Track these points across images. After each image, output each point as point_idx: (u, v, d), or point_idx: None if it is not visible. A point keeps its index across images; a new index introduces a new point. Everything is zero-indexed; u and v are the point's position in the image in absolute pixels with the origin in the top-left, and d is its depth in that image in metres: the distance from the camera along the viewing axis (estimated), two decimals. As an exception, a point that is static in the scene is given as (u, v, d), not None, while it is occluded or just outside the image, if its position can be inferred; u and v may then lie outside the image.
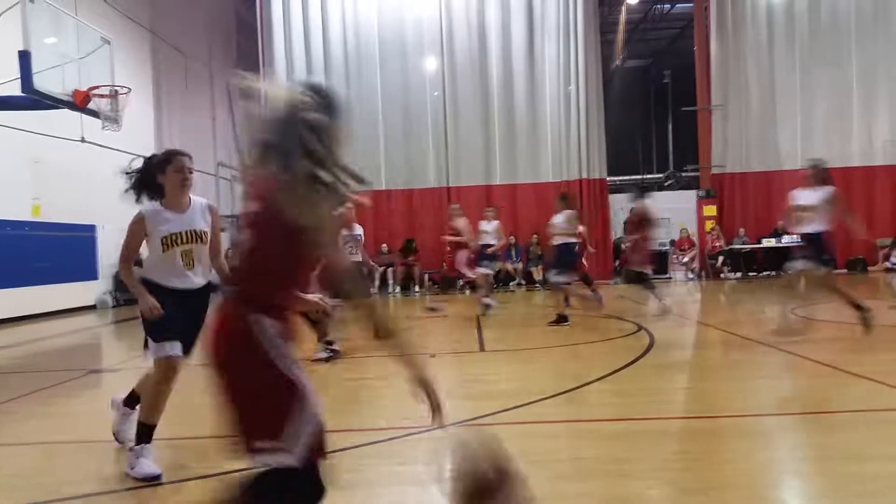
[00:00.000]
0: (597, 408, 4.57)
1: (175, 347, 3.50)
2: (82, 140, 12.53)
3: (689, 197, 17.66)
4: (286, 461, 1.77)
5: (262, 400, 1.80)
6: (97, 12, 13.75)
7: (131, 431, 3.61)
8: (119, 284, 15.53)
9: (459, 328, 9.42)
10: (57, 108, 10.62)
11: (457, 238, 10.61)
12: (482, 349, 7.33)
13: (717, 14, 16.96)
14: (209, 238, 3.71)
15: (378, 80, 17.14)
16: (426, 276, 16.75)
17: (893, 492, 2.91)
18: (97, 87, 11.18)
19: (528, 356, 6.88)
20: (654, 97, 26.34)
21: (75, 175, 13.58)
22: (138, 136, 15.45)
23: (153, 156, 3.77)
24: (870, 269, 15.99)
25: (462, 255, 10.90)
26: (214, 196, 18.56)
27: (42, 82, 9.68)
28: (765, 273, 16.50)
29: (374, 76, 17.15)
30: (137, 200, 3.65)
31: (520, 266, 16.54)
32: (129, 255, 3.60)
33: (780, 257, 16.37)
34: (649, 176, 23.21)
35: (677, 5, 21.48)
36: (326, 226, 1.85)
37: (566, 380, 5.36)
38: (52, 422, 4.84)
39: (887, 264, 15.89)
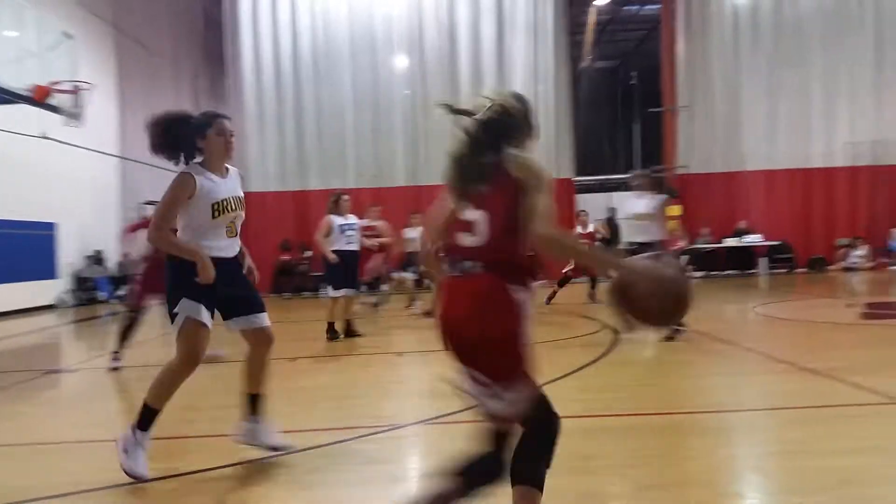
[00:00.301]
0: (561, 404, 4.58)
1: (207, 316, 3.26)
2: (43, 136, 12.25)
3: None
4: (531, 397, 2.20)
5: (517, 353, 2.16)
6: (59, 6, 13.45)
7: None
8: (80, 283, 15.20)
9: (428, 327, 9.41)
10: (16, 103, 10.38)
11: (380, 240, 10.33)
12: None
13: (684, 16, 17.20)
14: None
15: (347, 77, 17.05)
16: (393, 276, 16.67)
17: (849, 485, 2.97)
18: (58, 83, 10.95)
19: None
20: (621, 98, 26.63)
21: (35, 172, 13.27)
22: (101, 133, 15.15)
23: (188, 116, 3.52)
24: (829, 268, 16.36)
25: (378, 258, 10.73)
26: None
27: (0, 76, 9.46)
28: (727, 272, 16.78)
29: (343, 73, 17.05)
30: (178, 162, 3.39)
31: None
32: (169, 220, 3.28)
33: (742, 256, 16.71)
34: (615, 176, 23.46)
35: (645, 7, 21.74)
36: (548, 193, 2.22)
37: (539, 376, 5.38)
38: (4, 424, 4.71)
39: (846, 263, 16.27)
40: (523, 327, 2.15)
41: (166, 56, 18.34)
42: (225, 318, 3.47)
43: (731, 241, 16.65)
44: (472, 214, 2.26)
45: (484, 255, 2.19)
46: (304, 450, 3.63)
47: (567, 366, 5.59)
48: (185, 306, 3.23)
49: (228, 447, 3.60)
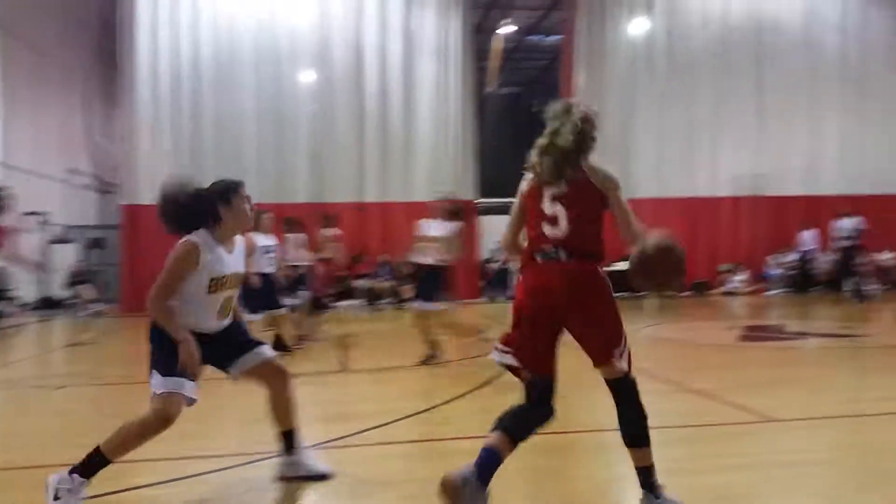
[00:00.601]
0: (455, 426, 4.60)
1: (191, 389, 3.08)
2: None
3: (555, 220, 18.42)
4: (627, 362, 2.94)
5: (616, 323, 2.93)
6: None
7: None
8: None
9: (323, 348, 9.23)
10: None
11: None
12: (344, 369, 7.20)
13: (584, 49, 17.90)
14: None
15: (250, 88, 16.59)
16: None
17: (724, 501, 3.11)
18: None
19: (390, 376, 6.84)
20: (525, 123, 27.40)
21: None
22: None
23: (212, 183, 3.35)
24: (711, 292, 17.30)
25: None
26: (64, 205, 17.18)
27: None
28: (618, 294, 17.33)
29: (245, 84, 16.58)
30: (186, 232, 3.22)
31: (387, 285, 16.46)
32: (171, 291, 3.14)
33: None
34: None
35: (548, 38, 22.52)
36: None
37: (427, 398, 5.37)
38: None
39: (726, 288, 17.27)
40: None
41: (56, 57, 17.29)
42: (223, 368, 3.34)
43: (621, 265, 17.28)
44: (554, 209, 2.87)
45: (566, 243, 2.82)
46: (181, 479, 3.45)
47: (461, 386, 5.61)
48: (169, 383, 3.04)
49: (104, 472, 3.36)
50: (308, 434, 4.36)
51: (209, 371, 3.31)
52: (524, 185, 3.03)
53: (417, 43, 17.33)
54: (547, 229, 2.84)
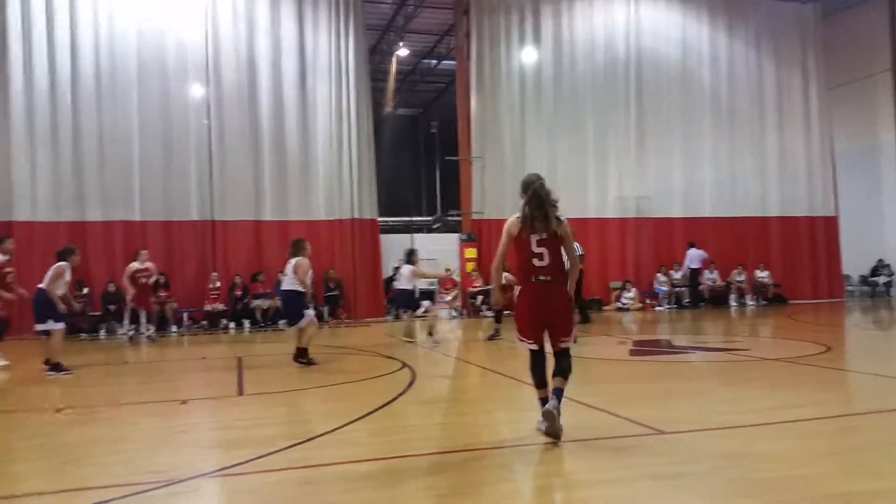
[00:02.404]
0: (353, 448, 4.52)
1: None
2: None
3: (454, 239, 18.64)
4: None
5: (572, 321, 4.82)
6: None
7: None
8: None
9: (218, 371, 8.89)
10: None
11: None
12: (241, 393, 6.96)
13: (477, 74, 18.34)
14: None
15: (135, 103, 15.82)
16: (185, 315, 15.65)
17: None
18: None
19: (289, 398, 6.67)
20: (423, 145, 27.70)
21: None
22: None
23: None
24: (604, 308, 18.02)
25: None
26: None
27: None
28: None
29: (130, 99, 15.79)
30: None
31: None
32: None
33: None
34: (419, 218, 24.18)
35: (443, 62, 22.93)
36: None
37: (326, 421, 5.26)
38: None
39: (618, 304, 18.03)
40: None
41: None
42: None
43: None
44: (540, 248, 4.60)
45: (549, 271, 4.62)
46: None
47: (360, 408, 5.55)
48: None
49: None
50: (204, 461, 4.18)
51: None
52: (514, 229, 4.63)
53: (312, 62, 17.20)
54: (536, 262, 4.60)
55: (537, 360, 4.69)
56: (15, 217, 14.73)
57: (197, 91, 16.40)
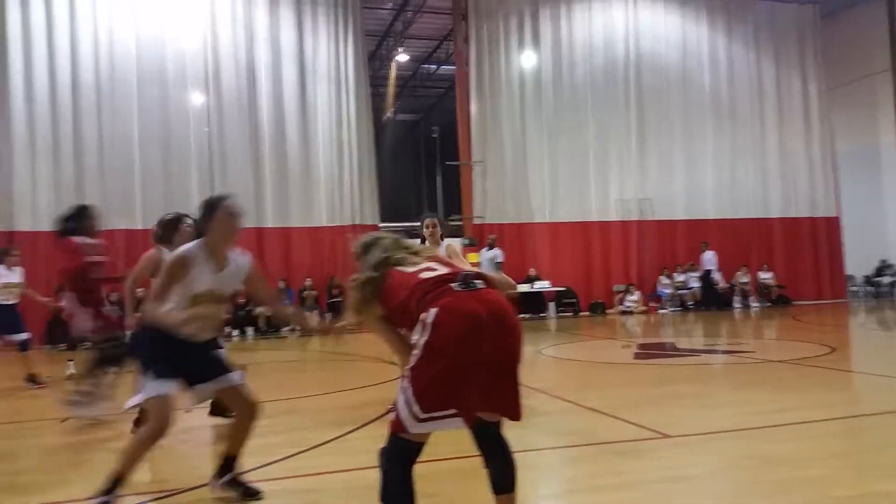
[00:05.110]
0: (357, 456, 4.48)
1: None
2: None
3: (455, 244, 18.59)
4: None
5: None
6: None
7: None
8: None
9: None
10: None
11: None
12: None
13: (476, 79, 18.35)
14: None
15: (135, 110, 15.84)
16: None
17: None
18: None
19: (292, 406, 6.63)
20: (423, 150, 27.70)
21: None
22: None
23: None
24: (608, 311, 17.97)
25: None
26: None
27: None
28: (521, 315, 17.74)
29: (130, 106, 15.81)
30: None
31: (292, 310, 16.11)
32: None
33: (534, 301, 17.83)
34: (420, 224, 24.09)
35: (442, 67, 22.95)
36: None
37: (330, 429, 5.22)
38: None
39: (622, 307, 17.98)
40: None
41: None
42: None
43: (523, 287, 17.71)
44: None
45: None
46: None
47: (363, 416, 5.52)
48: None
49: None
50: (208, 469, 4.15)
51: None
52: None
53: (311, 68, 17.22)
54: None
55: None
56: (17, 227, 14.74)
57: (197, 98, 16.42)
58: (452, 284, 2.54)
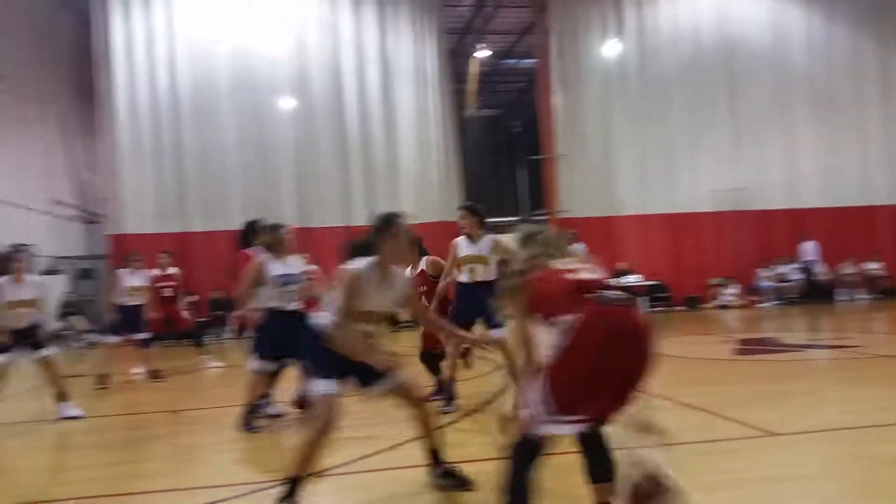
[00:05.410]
0: (455, 450, 4.54)
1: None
2: None
3: (540, 240, 18.47)
4: None
5: None
6: None
7: None
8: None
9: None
10: None
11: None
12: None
13: (559, 71, 18.13)
14: None
15: (230, 116, 16.59)
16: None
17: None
18: None
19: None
20: (506, 145, 27.62)
21: None
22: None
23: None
24: (703, 306, 17.37)
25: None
26: (51, 237, 16.99)
27: None
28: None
29: (225, 112, 16.58)
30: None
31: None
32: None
33: (622, 297, 17.49)
34: (504, 219, 24.08)
35: (523, 61, 22.79)
36: None
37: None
38: None
39: (719, 301, 17.35)
40: None
41: (33, 90, 17.19)
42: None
43: (612, 282, 17.39)
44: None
45: None
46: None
47: (462, 407, 5.58)
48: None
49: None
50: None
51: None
52: None
53: (394, 68, 17.50)
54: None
55: None
56: (126, 230, 15.70)
57: (286, 104, 17.01)
58: (596, 292, 2.62)
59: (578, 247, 14.60)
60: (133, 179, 16.12)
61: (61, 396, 6.15)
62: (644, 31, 18.42)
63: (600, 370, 2.47)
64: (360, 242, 3.60)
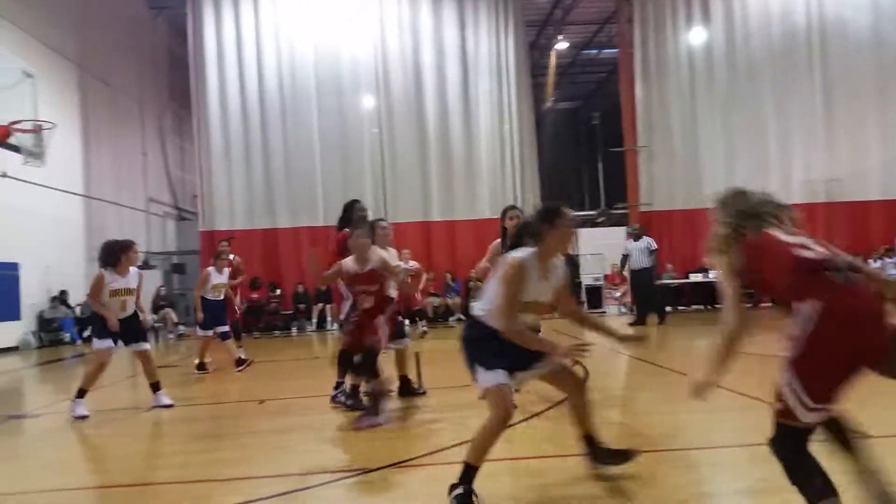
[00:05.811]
0: (524, 445, 4.57)
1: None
2: (3, 175, 12.05)
3: (620, 233, 18.15)
4: None
5: None
6: (20, 46, 13.37)
7: None
8: (44, 324, 14.71)
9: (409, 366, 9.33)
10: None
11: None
12: (420, 387, 7.24)
13: (642, 60, 17.74)
14: None
15: (314, 116, 17.17)
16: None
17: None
18: (18, 122, 10.82)
19: (462, 394, 6.84)
20: (584, 137, 27.20)
21: (-4, 211, 13.01)
22: (65, 172, 14.96)
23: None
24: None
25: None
26: (145, 233, 18.05)
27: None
28: (693, 306, 17.02)
29: (310, 113, 17.17)
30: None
31: (458, 301, 16.59)
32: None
33: (708, 291, 16.98)
34: (582, 213, 23.81)
35: (604, 51, 22.39)
36: None
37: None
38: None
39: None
40: None
41: (131, 94, 18.26)
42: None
43: (696, 277, 16.93)
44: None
45: None
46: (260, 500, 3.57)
47: (530, 407, 5.60)
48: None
49: (195, 492, 3.52)
50: (391, 452, 4.45)
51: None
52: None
53: (473, 63, 17.57)
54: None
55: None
56: (217, 227, 16.45)
57: (368, 102, 17.40)
58: (832, 273, 2.43)
59: (647, 241, 14.24)
60: (223, 178, 16.89)
61: (155, 386, 6.52)
62: (731, 16, 17.78)
63: (848, 360, 2.39)
64: (521, 231, 3.50)
